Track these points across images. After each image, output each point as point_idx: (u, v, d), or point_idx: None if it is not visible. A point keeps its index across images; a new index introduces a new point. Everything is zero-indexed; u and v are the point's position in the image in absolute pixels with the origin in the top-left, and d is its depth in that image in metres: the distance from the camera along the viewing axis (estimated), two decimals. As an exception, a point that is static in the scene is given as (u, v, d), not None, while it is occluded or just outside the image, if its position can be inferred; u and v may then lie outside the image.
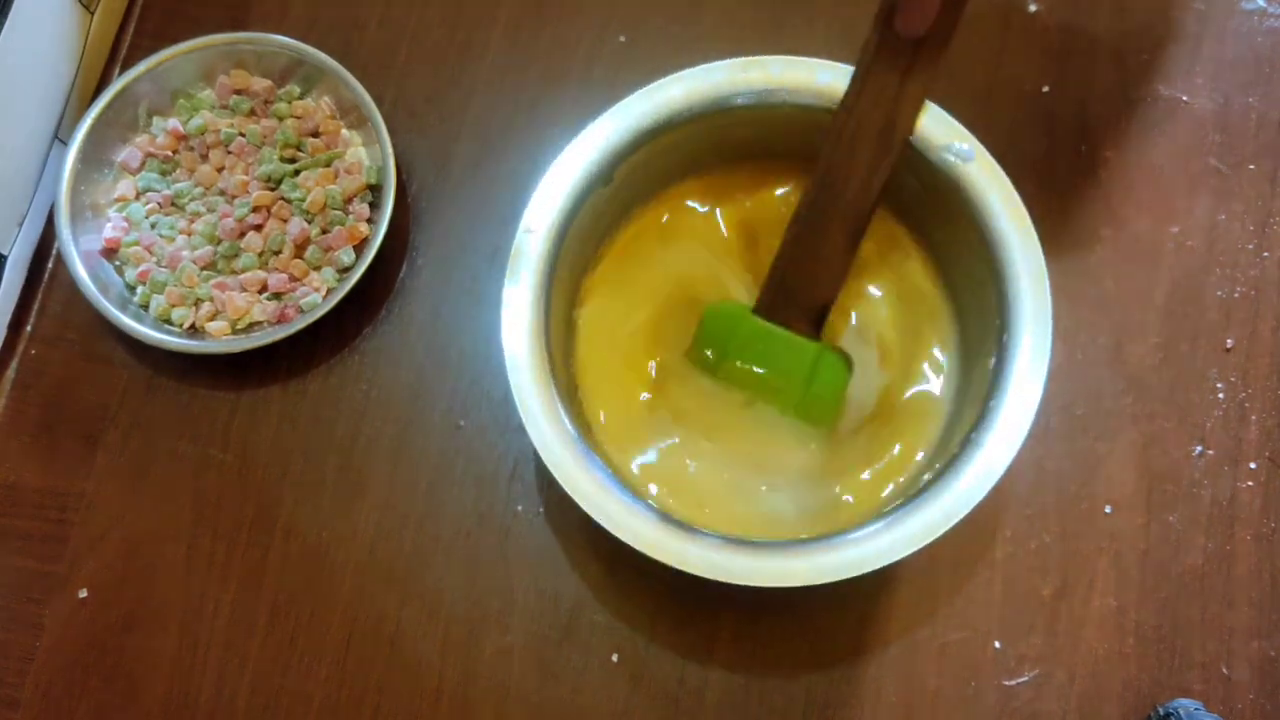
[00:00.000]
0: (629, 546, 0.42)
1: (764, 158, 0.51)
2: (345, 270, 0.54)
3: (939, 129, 0.46)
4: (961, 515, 0.42)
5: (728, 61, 0.48)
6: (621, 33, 0.59)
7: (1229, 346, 0.53)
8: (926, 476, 0.45)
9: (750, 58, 0.48)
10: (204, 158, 0.57)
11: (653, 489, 0.48)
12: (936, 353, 0.49)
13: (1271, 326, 0.53)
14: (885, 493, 0.47)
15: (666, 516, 0.43)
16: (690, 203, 0.52)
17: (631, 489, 0.44)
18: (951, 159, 0.46)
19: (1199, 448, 0.52)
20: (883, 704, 0.49)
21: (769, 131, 0.50)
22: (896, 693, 0.49)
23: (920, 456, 0.48)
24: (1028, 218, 0.45)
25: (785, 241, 0.47)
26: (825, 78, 0.47)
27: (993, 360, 0.45)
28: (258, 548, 0.52)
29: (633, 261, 0.51)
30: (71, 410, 0.54)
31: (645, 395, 0.50)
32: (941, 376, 0.49)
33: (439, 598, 0.51)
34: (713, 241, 0.51)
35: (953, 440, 0.45)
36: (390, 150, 0.54)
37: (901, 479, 0.47)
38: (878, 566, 0.42)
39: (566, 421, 0.44)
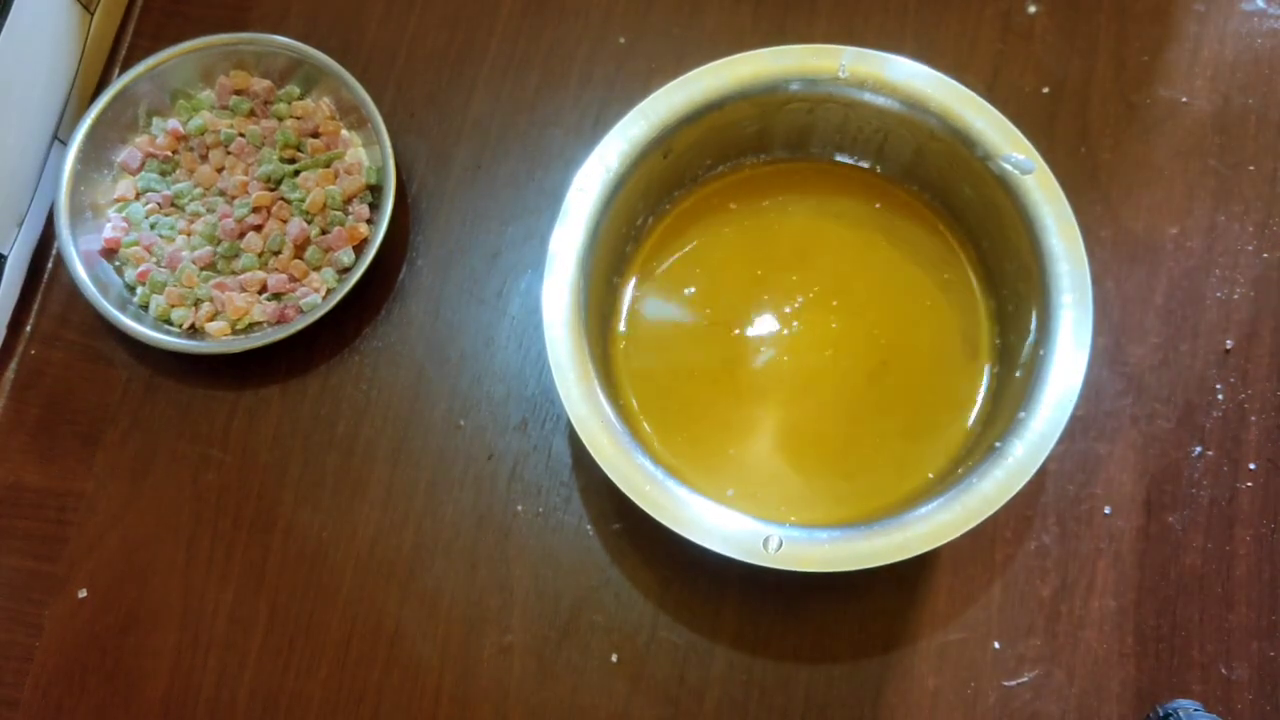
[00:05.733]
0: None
1: (823, 154, 0.52)
2: (345, 270, 0.54)
3: (1001, 137, 0.46)
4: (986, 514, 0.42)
5: (799, 47, 0.48)
6: (621, 34, 0.59)
7: (1228, 347, 0.53)
8: (959, 470, 0.45)
9: (821, 45, 0.48)
10: (204, 158, 0.57)
11: (673, 462, 0.48)
12: (976, 360, 0.49)
13: (1271, 327, 0.53)
14: (910, 490, 0.47)
15: (684, 486, 0.43)
16: (741, 190, 0.52)
17: (653, 457, 0.44)
18: (1010, 169, 0.46)
19: (1199, 448, 0.52)
20: (883, 704, 0.49)
21: (830, 125, 0.50)
22: (896, 693, 0.49)
23: (943, 462, 0.48)
24: (1080, 237, 0.45)
25: None
26: (898, 73, 0.47)
27: (1020, 374, 0.45)
28: (258, 548, 0.52)
29: (682, 238, 0.52)
30: (71, 410, 0.54)
31: (681, 373, 0.50)
32: (980, 383, 0.49)
33: (439, 597, 0.51)
34: (757, 235, 0.52)
35: (982, 444, 0.45)
36: (390, 150, 0.54)
37: (921, 483, 0.48)
38: (900, 558, 0.42)
39: (603, 399, 0.44)
